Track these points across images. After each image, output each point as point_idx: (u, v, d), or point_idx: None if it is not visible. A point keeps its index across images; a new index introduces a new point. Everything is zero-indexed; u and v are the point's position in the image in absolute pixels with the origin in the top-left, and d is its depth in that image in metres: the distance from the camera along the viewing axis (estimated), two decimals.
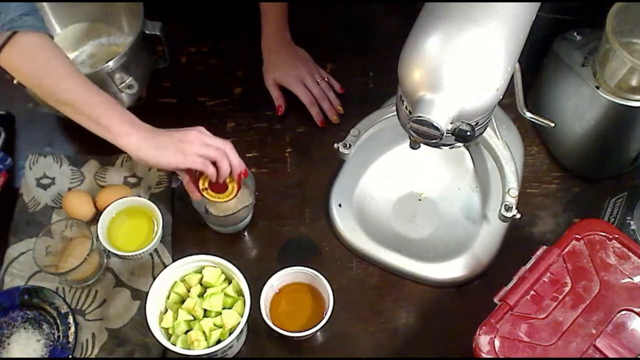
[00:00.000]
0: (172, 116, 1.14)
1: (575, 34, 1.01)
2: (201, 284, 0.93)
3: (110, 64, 1.02)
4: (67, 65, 0.92)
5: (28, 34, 0.88)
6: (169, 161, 0.92)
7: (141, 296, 0.98)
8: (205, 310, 0.91)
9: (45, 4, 1.14)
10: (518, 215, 0.90)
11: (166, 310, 0.92)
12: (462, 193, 1.06)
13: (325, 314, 0.92)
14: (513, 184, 0.92)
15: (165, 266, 0.97)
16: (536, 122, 0.93)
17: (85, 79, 0.93)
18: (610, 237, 0.85)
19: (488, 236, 1.00)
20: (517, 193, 0.91)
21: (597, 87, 0.95)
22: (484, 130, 0.85)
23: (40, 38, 0.90)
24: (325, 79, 1.15)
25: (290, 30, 1.14)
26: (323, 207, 1.06)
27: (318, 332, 0.95)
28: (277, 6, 1.12)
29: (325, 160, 1.08)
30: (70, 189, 1.07)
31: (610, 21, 0.89)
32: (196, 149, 0.93)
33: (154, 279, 0.92)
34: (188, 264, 0.93)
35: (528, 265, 0.84)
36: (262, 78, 1.15)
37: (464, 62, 0.71)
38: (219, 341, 0.89)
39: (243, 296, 0.90)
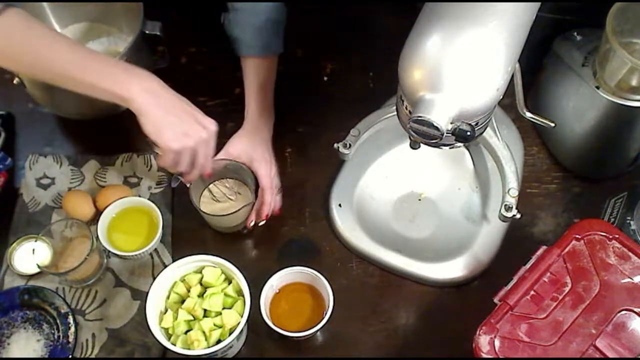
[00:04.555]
0: None
1: (575, 34, 1.01)
2: (201, 284, 0.93)
3: None
4: (50, 34, 0.85)
5: None
6: (168, 140, 0.84)
7: (141, 296, 0.98)
8: (205, 310, 0.91)
9: (45, 4, 1.14)
10: (518, 215, 0.90)
11: (166, 310, 0.92)
12: (462, 193, 1.06)
13: (325, 314, 0.92)
14: (513, 184, 0.92)
15: (165, 266, 0.97)
16: (536, 122, 0.93)
17: (72, 43, 0.85)
18: (610, 237, 0.85)
19: (488, 236, 1.00)
20: (517, 193, 0.91)
21: (597, 87, 0.95)
22: (484, 130, 0.85)
23: (11, 13, 0.82)
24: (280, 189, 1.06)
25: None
26: (323, 207, 1.06)
27: (318, 332, 0.95)
28: (261, 90, 1.05)
29: (325, 160, 1.08)
30: (70, 189, 1.07)
31: (610, 21, 0.89)
32: (196, 144, 0.86)
33: (154, 279, 0.92)
34: (188, 264, 0.93)
35: (528, 265, 0.84)
36: None
37: (464, 62, 0.71)
38: (219, 341, 0.89)
39: (243, 296, 0.90)
